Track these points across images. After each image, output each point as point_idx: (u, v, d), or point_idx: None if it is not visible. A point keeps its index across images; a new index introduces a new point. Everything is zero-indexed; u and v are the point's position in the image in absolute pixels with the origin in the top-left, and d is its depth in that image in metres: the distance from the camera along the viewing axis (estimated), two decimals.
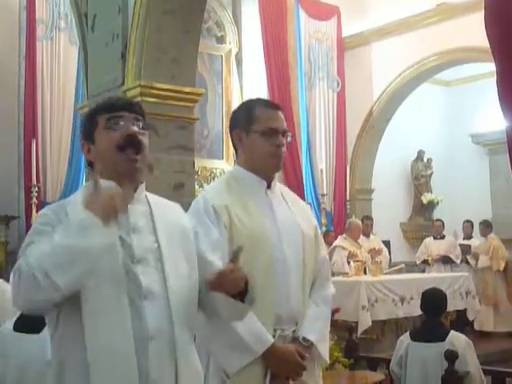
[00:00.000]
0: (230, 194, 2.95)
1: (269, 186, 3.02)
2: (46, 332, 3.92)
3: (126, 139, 2.29)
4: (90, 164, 2.42)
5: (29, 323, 4.16)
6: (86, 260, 2.05)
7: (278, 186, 3.12)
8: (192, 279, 2.34)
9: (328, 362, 3.09)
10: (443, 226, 12.24)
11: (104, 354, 2.12)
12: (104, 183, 2.17)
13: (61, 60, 10.03)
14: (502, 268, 11.37)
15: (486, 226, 11.77)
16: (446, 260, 11.73)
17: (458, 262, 11.74)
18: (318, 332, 2.95)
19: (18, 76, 9.92)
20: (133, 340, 2.14)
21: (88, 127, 2.39)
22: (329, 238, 10.33)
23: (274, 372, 2.83)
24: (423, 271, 11.81)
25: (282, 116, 3.01)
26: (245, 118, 3.00)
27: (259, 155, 2.95)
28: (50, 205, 2.41)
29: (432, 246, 12.04)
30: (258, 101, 3.11)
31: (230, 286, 2.26)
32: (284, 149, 2.97)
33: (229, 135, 3.15)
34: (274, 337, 2.83)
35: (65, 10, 9.94)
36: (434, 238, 12.17)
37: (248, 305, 2.36)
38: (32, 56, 9.78)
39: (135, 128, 2.32)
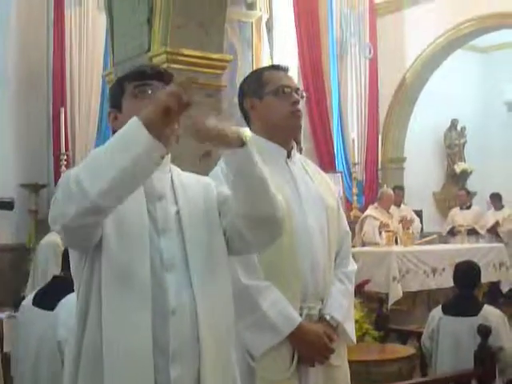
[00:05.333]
0: None
1: (289, 156, 2.92)
2: (59, 311, 3.93)
3: None
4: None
5: (45, 299, 4.13)
6: (121, 168, 1.87)
7: (299, 157, 3.02)
8: (213, 245, 2.22)
9: (355, 341, 2.98)
10: (468, 195, 12.06)
11: (118, 324, 2.05)
12: None
13: (89, 27, 9.96)
14: None
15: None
16: (470, 231, 11.51)
17: (483, 232, 11.57)
18: (344, 310, 2.86)
19: (46, 44, 9.87)
20: (150, 312, 2.06)
21: (115, 94, 2.33)
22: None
23: (301, 354, 2.72)
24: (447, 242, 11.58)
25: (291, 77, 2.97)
26: (255, 84, 2.90)
27: (277, 117, 2.84)
28: None
29: (457, 217, 11.87)
30: (265, 67, 3.17)
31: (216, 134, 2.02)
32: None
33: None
34: (300, 315, 2.73)
35: None
36: (461, 209, 12.00)
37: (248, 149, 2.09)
38: (60, 23, 9.71)
39: None
